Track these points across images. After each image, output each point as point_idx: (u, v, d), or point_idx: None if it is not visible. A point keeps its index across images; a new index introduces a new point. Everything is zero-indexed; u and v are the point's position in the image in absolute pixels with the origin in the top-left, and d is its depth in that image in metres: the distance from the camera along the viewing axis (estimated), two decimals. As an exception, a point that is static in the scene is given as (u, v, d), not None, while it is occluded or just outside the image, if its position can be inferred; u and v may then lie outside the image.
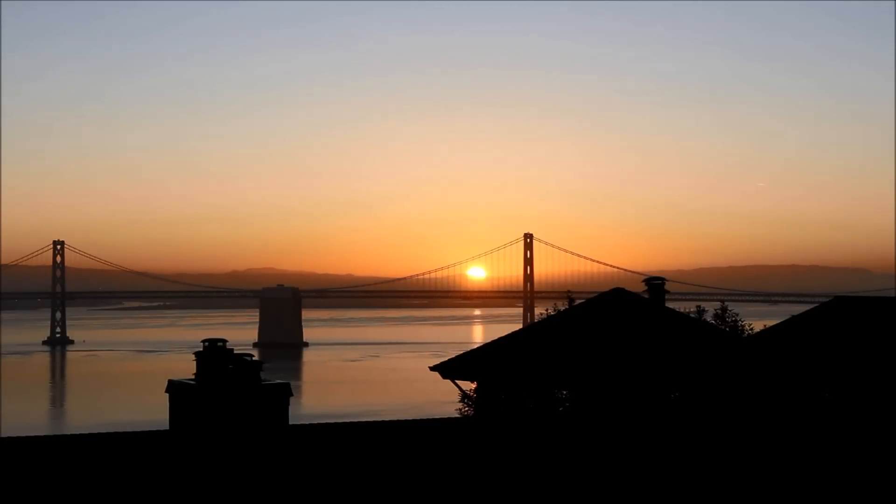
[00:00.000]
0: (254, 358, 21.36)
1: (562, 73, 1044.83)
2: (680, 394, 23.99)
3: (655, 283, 28.53)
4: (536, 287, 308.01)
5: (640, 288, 28.97)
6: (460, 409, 25.65)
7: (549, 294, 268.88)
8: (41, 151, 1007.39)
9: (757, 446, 22.72)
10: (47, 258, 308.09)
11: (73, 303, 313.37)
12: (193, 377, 21.25)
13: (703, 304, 28.18)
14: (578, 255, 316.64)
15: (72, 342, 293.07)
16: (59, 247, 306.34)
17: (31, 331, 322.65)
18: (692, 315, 27.41)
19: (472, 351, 27.32)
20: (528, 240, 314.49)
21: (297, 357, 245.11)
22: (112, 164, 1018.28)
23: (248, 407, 20.97)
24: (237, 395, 20.90)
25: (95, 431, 26.05)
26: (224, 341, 21.22)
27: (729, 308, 27.25)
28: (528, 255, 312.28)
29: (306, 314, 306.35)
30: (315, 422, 29.47)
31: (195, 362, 21.21)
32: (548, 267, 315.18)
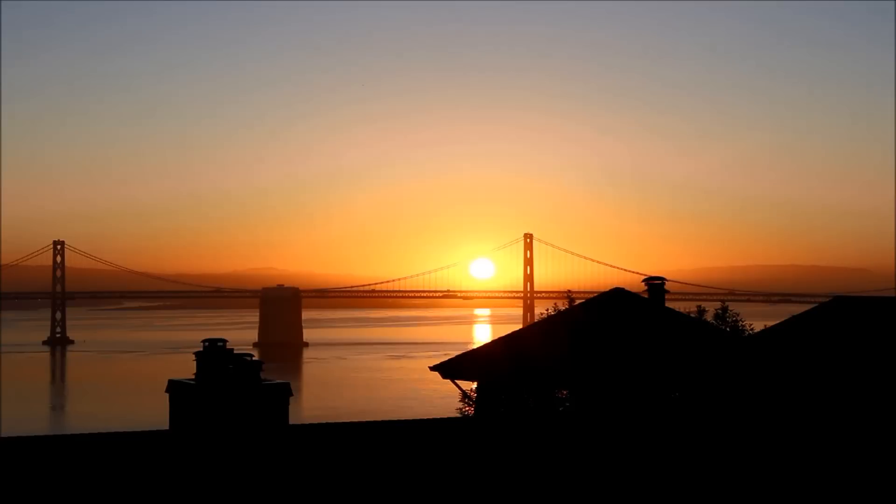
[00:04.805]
0: (254, 358, 21.38)
1: (562, 71, 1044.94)
2: (680, 394, 24.00)
3: (655, 283, 28.55)
4: (536, 287, 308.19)
5: (640, 288, 28.98)
6: (460, 409, 25.65)
7: (550, 294, 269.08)
8: (41, 151, 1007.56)
9: (757, 446, 22.72)
10: (47, 258, 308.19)
11: (74, 303, 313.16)
12: (193, 377, 21.27)
13: (703, 305, 28.17)
14: (578, 255, 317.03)
15: (72, 342, 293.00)
16: (59, 247, 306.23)
17: (31, 331, 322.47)
18: (692, 315, 27.41)
19: (472, 351, 27.35)
20: (528, 240, 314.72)
21: (297, 357, 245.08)
22: (112, 164, 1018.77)
23: (248, 407, 20.99)
24: (237, 395, 20.92)
25: (95, 431, 26.07)
26: (224, 341, 21.24)
27: (729, 308, 27.23)
28: (528, 255, 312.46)
29: (306, 314, 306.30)
30: (315, 422, 29.49)
31: (195, 362, 21.23)
32: (548, 267, 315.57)
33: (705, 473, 22.71)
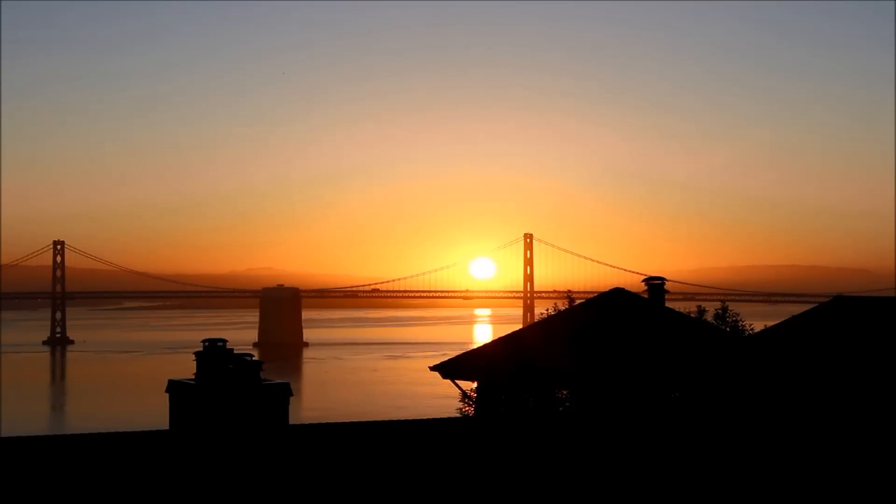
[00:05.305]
0: (254, 358, 21.39)
1: (563, 71, 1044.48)
2: (680, 394, 24.00)
3: (655, 283, 28.56)
4: (536, 287, 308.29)
5: (640, 288, 28.99)
6: (460, 409, 25.65)
7: (550, 294, 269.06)
8: (41, 151, 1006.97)
9: (757, 446, 22.72)
10: (47, 258, 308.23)
11: (74, 303, 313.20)
12: (193, 377, 21.27)
13: (703, 305, 28.19)
14: (579, 255, 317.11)
15: (72, 342, 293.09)
16: (59, 247, 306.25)
17: (31, 331, 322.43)
18: (692, 315, 27.42)
19: (472, 351, 27.37)
20: (529, 240, 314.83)
21: (297, 357, 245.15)
22: (112, 164, 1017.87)
23: (248, 407, 20.99)
24: (237, 395, 20.92)
25: (95, 431, 26.06)
26: (224, 341, 21.24)
27: (729, 308, 27.24)
28: (528, 255, 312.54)
29: (306, 314, 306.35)
30: (315, 422, 29.49)
31: (195, 362, 21.23)
32: (548, 267, 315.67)
33: (705, 473, 22.70)
